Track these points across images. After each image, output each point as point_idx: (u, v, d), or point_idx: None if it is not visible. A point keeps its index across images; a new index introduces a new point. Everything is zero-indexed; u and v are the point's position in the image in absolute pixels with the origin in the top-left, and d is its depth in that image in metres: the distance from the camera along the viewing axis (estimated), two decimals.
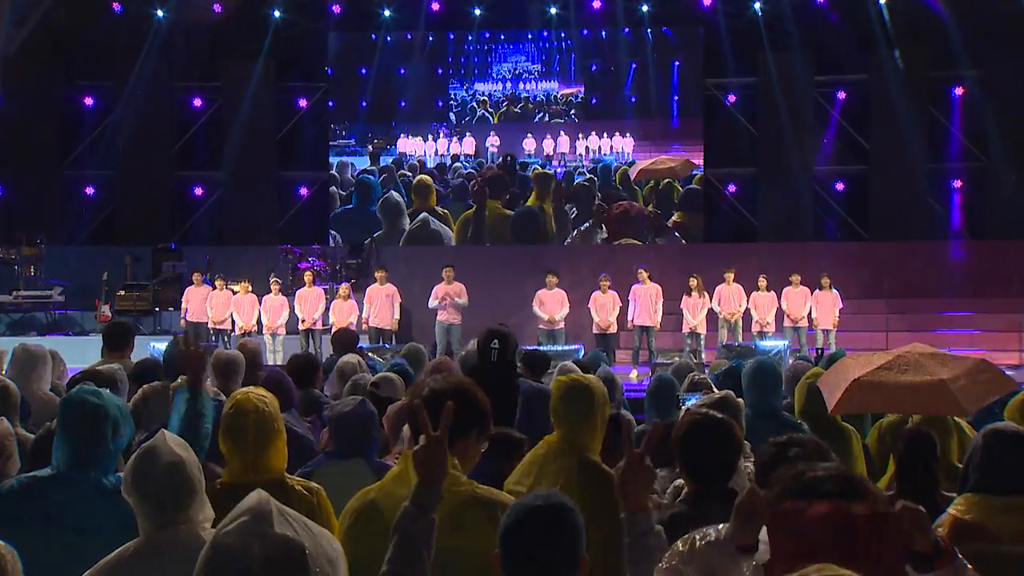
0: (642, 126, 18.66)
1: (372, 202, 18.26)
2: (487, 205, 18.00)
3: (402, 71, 19.10)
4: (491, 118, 19.25)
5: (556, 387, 3.02)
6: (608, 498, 2.35)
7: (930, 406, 3.53)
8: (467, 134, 19.17)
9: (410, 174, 18.56)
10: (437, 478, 2.05)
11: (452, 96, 19.27)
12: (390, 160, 18.84)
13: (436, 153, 19.17)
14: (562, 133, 19.00)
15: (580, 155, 19.09)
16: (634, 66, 18.64)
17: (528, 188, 18.41)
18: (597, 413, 2.96)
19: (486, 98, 19.36)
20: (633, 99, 18.80)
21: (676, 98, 18.48)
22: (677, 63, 18.35)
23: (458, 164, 19.03)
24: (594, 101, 19.14)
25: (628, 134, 18.79)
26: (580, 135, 19.01)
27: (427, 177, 18.71)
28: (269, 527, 1.49)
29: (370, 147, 19.08)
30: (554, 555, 1.87)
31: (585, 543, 1.92)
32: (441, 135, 19.19)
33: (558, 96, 19.18)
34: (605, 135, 19.07)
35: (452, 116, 19.17)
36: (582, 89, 19.11)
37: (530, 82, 19.48)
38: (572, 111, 19.13)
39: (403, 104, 19.04)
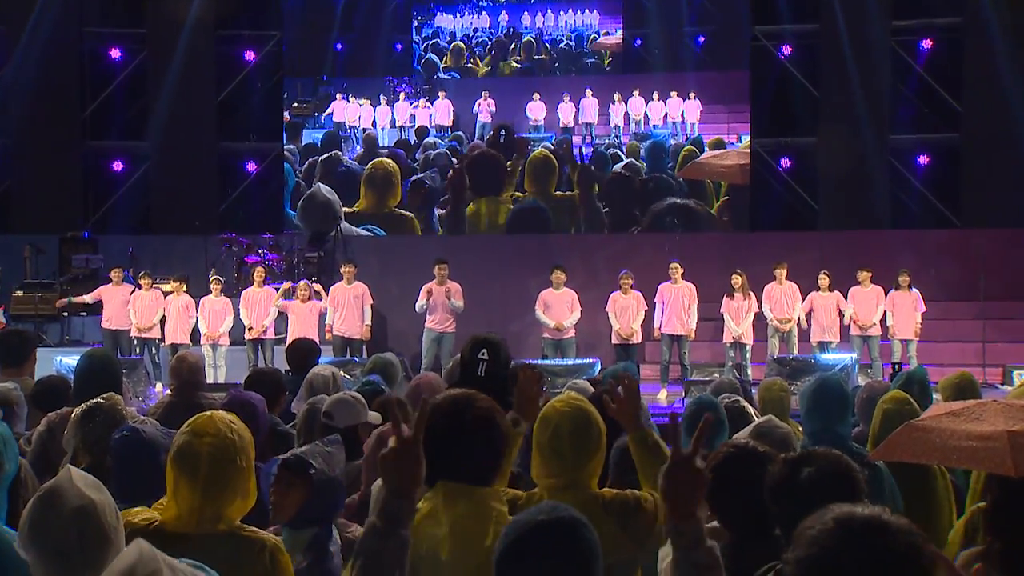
0: (713, 82, 16.11)
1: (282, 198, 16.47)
2: (478, 202, 15.75)
3: None
4: (473, 70, 16.62)
5: (555, 416, 3.02)
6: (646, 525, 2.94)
7: (974, 458, 3.57)
8: (440, 95, 16.35)
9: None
10: (410, 487, 2.12)
11: (415, 36, 16.45)
12: (320, 135, 16.45)
13: (392, 124, 16.51)
14: (588, 93, 16.24)
15: (616, 127, 16.30)
16: None
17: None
18: (603, 443, 3.05)
19: (463, 44, 16.31)
20: (700, 39, 16.18)
21: None
22: None
23: (432, 140, 15.88)
24: (637, 43, 16.48)
25: (693, 94, 15.94)
26: (616, 96, 16.15)
27: (390, 162, 15.88)
28: None
29: (287, 115, 16.53)
30: None
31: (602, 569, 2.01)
32: (402, 96, 16.37)
33: (595, 38, 15.46)
34: (656, 96, 16.07)
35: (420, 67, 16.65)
36: (619, 26, 16.34)
37: (542, 12, 16.17)
38: (612, 61, 16.09)
39: (340, 48, 16.70)
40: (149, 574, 1.65)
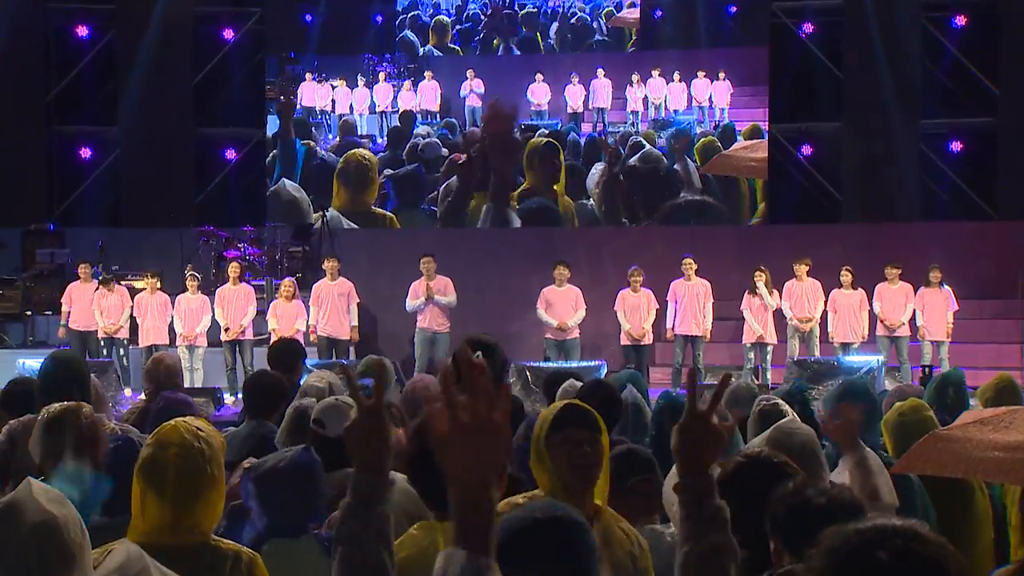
0: (746, 60, 15.60)
1: None
2: (482, 197, 14.94)
3: None
4: (460, 50, 15.88)
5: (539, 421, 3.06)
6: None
7: (1000, 470, 3.55)
8: (427, 75, 15.82)
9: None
10: (381, 460, 2.12)
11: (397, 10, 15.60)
12: (286, 121, 16.10)
13: (372, 109, 15.96)
14: (600, 74, 15.79)
15: (634, 112, 15.77)
16: None
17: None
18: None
19: (445, 18, 15.54)
20: (731, 10, 15.64)
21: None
22: None
23: (422, 130, 15.22)
24: (657, 14, 15.78)
25: (722, 74, 15.48)
26: (634, 77, 15.66)
27: (365, 152, 15.31)
28: None
29: None
30: None
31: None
32: (382, 77, 15.90)
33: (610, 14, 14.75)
34: (678, 76, 15.62)
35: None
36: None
37: None
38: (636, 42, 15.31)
39: (311, 20, 16.20)
40: (137, 573, 1.70)
